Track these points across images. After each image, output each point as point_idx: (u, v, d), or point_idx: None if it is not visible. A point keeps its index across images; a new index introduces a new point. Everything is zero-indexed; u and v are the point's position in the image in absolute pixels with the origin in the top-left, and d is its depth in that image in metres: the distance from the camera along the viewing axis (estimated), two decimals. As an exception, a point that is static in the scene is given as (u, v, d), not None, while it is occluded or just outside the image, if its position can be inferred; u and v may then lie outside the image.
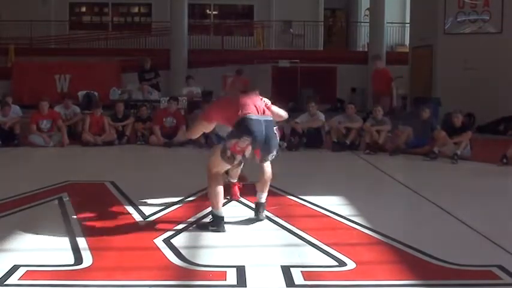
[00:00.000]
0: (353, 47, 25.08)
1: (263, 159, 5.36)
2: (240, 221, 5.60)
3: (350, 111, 11.48)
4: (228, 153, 5.11)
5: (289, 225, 5.39)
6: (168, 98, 12.60)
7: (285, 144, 11.19)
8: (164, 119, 11.80)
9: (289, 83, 21.11)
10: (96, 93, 15.55)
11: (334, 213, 5.89)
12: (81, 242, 4.81)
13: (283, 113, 5.77)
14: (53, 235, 5.03)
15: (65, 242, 4.82)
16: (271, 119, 5.28)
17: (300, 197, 6.58)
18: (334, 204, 6.29)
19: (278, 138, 5.27)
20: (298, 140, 11.33)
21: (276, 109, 5.66)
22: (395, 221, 5.79)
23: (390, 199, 7.07)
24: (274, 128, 5.22)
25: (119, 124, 12.10)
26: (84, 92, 15.62)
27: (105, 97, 14.89)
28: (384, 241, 4.93)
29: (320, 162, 10.16)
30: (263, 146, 5.12)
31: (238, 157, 5.18)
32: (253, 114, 5.12)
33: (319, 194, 6.73)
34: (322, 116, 11.62)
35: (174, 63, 20.64)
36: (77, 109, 12.75)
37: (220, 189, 5.27)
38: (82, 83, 17.38)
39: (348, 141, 11.09)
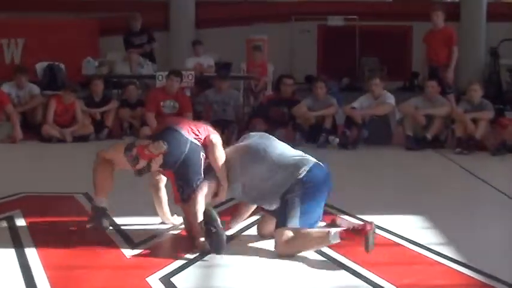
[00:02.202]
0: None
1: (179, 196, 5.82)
2: (268, 251, 5.59)
3: (432, 90, 11.42)
4: (134, 151, 5.72)
5: (343, 258, 5.37)
6: (167, 73, 12.66)
7: (337, 139, 11.22)
8: (162, 103, 11.87)
9: (343, 50, 21.08)
10: (62, 66, 15.67)
11: (409, 240, 5.88)
12: (41, 281, 4.84)
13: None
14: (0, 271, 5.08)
15: (17, 281, 4.85)
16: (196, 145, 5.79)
17: (359, 216, 6.57)
18: (410, 227, 6.28)
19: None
20: (356, 133, 11.32)
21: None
22: (501, 253, 5.74)
23: (493, 221, 7.01)
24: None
25: (96, 111, 12.20)
26: (45, 63, 15.74)
27: (75, 71, 14.99)
28: (482, 282, 4.90)
29: (388, 166, 10.14)
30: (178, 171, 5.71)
31: (142, 162, 5.72)
32: (183, 129, 5.80)
33: (387, 213, 6.73)
34: (391, 99, 11.60)
35: (174, 22, 20.70)
36: (35, 89, 12.85)
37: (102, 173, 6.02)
38: (41, 51, 17.50)
39: (429, 136, 11.05)
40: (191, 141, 5.72)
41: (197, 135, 5.80)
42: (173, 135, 5.74)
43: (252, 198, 5.80)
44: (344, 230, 5.32)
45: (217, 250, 5.29)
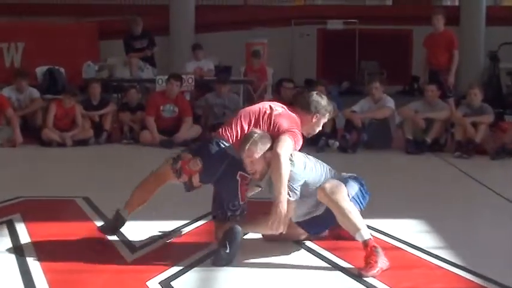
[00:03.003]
0: (437, 0, 24.97)
1: (213, 215, 5.96)
2: (271, 255, 5.60)
3: (431, 95, 11.44)
4: (178, 165, 5.69)
5: (343, 262, 5.39)
6: (167, 77, 12.67)
7: (337, 143, 11.23)
8: (161, 107, 11.89)
9: (342, 53, 21.09)
10: (62, 70, 15.69)
11: (409, 244, 5.89)
12: (41, 285, 4.85)
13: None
14: (0, 275, 5.08)
15: (17, 285, 4.86)
16: (239, 158, 5.54)
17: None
18: (409, 231, 6.29)
19: (240, 191, 5.66)
20: (355, 137, 11.33)
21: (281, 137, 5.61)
22: (500, 257, 5.74)
23: (492, 225, 7.02)
24: (239, 172, 5.57)
25: (94, 113, 12.21)
26: (45, 68, 15.76)
27: (75, 75, 15.02)
28: (481, 285, 4.91)
29: (388, 170, 10.14)
30: (216, 189, 5.83)
31: (184, 177, 5.72)
32: (224, 141, 5.65)
33: (387, 217, 6.76)
34: (390, 103, 11.61)
35: (175, 26, 20.69)
36: (35, 93, 12.86)
37: (143, 188, 5.94)
38: (42, 55, 17.48)
39: (429, 139, 11.07)
40: (231, 157, 5.60)
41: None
42: (211, 150, 5.65)
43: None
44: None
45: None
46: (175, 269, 5.18)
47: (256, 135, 5.47)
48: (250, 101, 14.15)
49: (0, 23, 20.70)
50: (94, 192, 7.54)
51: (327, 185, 5.47)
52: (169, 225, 6.23)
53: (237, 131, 5.68)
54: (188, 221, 6.47)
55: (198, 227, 6.42)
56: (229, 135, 5.67)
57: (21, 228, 6.30)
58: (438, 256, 5.54)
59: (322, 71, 20.61)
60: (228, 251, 5.30)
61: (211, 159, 5.60)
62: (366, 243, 5.27)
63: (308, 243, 5.83)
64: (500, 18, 19.86)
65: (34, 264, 5.29)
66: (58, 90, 13.96)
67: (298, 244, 5.81)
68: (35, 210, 6.99)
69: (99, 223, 6.42)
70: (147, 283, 4.89)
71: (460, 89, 14.97)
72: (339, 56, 20.85)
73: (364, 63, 20.88)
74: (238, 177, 5.60)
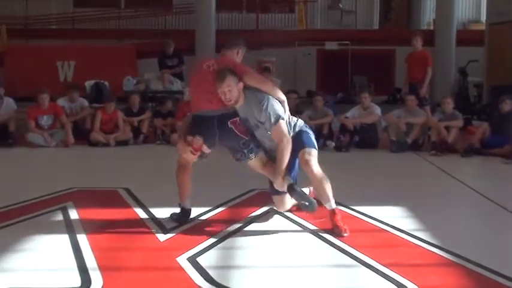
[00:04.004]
0: (416, 25, 24.86)
1: (236, 159, 5.89)
2: (280, 235, 5.60)
3: (411, 103, 11.42)
4: (190, 138, 5.71)
5: (338, 241, 5.37)
6: (192, 89, 12.65)
7: (333, 143, 11.23)
8: (188, 114, 11.86)
9: (337, 69, 21.05)
10: (106, 84, 15.71)
11: (393, 227, 5.85)
12: (90, 260, 4.86)
13: (270, 88, 5.81)
14: (56, 252, 5.10)
15: (70, 260, 4.88)
16: (225, 112, 5.61)
17: (352, 207, 6.56)
18: (393, 216, 6.26)
19: (239, 132, 5.67)
20: (348, 138, 11.32)
21: (256, 81, 5.79)
22: (469, 238, 5.72)
23: (462, 211, 7.00)
24: (229, 122, 5.61)
25: (134, 119, 12.24)
26: (93, 81, 15.78)
27: (117, 88, 15.05)
28: (454, 261, 4.89)
29: (376, 166, 10.11)
30: (224, 145, 5.78)
31: (198, 154, 5.76)
32: (202, 110, 5.67)
33: (374, 204, 6.71)
34: (377, 110, 11.59)
35: (199, 47, 20.66)
36: (85, 102, 12.90)
37: (183, 179, 5.90)
38: (90, 71, 17.50)
39: (409, 140, 11.05)
40: (216, 118, 5.61)
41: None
42: (200, 123, 5.70)
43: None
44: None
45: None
46: (200, 247, 5.18)
47: (227, 69, 5.57)
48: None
49: (56, 46, 20.77)
50: (133, 184, 7.54)
51: (311, 158, 5.67)
52: (195, 211, 6.21)
53: (204, 98, 5.66)
54: (210, 207, 6.46)
55: (219, 212, 6.42)
56: (203, 105, 5.67)
57: (73, 214, 6.31)
58: (417, 237, 5.52)
59: (321, 83, 20.56)
60: (307, 203, 5.57)
61: (204, 128, 5.63)
62: (333, 211, 5.70)
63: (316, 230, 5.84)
64: (468, 40, 19.78)
65: (84, 243, 5.29)
66: (103, 100, 13.99)
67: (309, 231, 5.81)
68: (84, 198, 7.00)
69: (137, 209, 6.45)
70: (177, 259, 4.89)
71: (435, 98, 14.93)
72: (334, 71, 20.83)
73: (356, 78, 20.83)
74: (230, 124, 5.60)
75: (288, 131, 5.73)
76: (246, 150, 5.77)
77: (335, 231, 5.58)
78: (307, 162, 5.66)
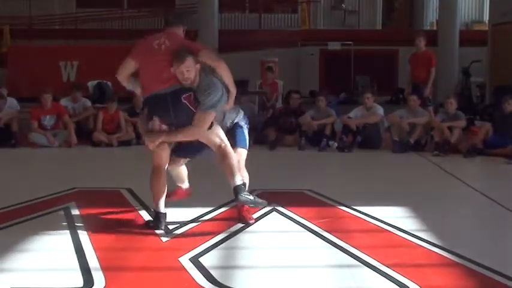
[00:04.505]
0: (419, 25, 24.86)
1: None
2: (282, 236, 5.61)
3: (413, 103, 11.42)
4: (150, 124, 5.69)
5: (341, 242, 5.37)
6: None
7: (336, 144, 11.23)
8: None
9: (340, 69, 21.05)
10: (109, 84, 15.72)
11: (395, 227, 5.85)
12: (92, 260, 4.87)
13: (223, 69, 5.87)
14: (58, 252, 5.11)
15: (72, 260, 4.89)
16: (176, 88, 5.56)
17: (354, 207, 6.56)
18: (395, 216, 6.26)
19: (193, 108, 5.58)
20: (351, 138, 11.31)
21: (211, 59, 5.81)
22: (472, 238, 5.74)
23: (465, 211, 7.00)
24: (182, 97, 5.55)
25: (137, 119, 12.23)
26: (95, 81, 15.81)
27: (120, 88, 14.98)
28: (456, 262, 4.89)
29: (378, 166, 10.10)
30: (181, 121, 5.61)
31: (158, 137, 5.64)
32: (154, 92, 5.58)
33: (377, 205, 6.70)
34: (380, 110, 11.59)
35: (202, 47, 20.68)
36: (87, 102, 12.92)
37: (158, 183, 5.79)
38: (92, 71, 17.54)
39: (412, 140, 11.04)
40: (168, 96, 5.56)
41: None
42: (154, 104, 5.64)
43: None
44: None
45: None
46: (202, 247, 5.18)
47: (186, 50, 5.57)
48: (264, 109, 14.16)
49: (59, 46, 20.82)
50: (135, 184, 7.55)
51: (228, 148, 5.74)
52: (197, 212, 6.23)
53: (157, 79, 5.60)
54: (213, 207, 6.47)
55: (222, 212, 6.42)
56: (155, 86, 5.61)
57: (75, 213, 6.33)
58: (419, 237, 5.52)
59: (323, 84, 20.56)
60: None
61: (159, 107, 5.57)
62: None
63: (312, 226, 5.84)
64: (471, 40, 19.80)
65: (86, 243, 5.31)
66: (106, 100, 14.02)
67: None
68: (87, 198, 7.01)
69: (140, 209, 6.46)
70: (179, 259, 4.90)
71: (438, 98, 14.93)
72: (337, 71, 20.83)
73: (358, 78, 20.83)
74: (183, 100, 5.53)
75: (221, 124, 5.86)
76: None
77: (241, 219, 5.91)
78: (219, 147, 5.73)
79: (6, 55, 20.30)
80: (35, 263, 4.87)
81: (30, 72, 18.81)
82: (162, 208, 5.84)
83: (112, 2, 24.58)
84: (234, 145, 5.90)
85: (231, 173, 5.63)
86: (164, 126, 5.65)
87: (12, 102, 12.49)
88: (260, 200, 5.77)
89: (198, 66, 5.58)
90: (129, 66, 5.84)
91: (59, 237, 5.52)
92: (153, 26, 23.21)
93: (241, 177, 5.72)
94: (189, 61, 5.49)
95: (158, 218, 5.80)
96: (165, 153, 5.81)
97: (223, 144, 5.70)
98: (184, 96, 5.54)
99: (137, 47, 5.89)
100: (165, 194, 5.86)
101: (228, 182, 5.64)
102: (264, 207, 6.10)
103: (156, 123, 5.63)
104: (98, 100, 14.39)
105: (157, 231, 5.69)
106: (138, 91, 6.04)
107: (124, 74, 5.88)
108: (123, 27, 23.21)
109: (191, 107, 5.56)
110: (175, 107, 5.54)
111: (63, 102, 12.50)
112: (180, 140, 5.76)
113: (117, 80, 6.00)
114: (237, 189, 5.58)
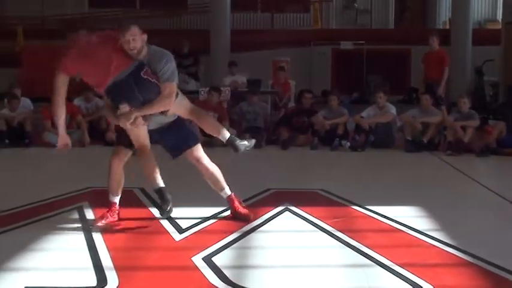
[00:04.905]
0: (431, 24, 24.79)
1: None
2: (295, 235, 5.61)
3: (426, 103, 11.39)
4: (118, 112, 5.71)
5: (354, 241, 5.37)
6: (207, 89, 12.69)
7: (348, 143, 11.22)
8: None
9: (352, 69, 20.99)
10: (121, 83, 15.74)
11: (408, 227, 5.85)
12: (105, 259, 4.89)
13: None
14: (72, 251, 5.14)
15: (85, 259, 4.92)
16: (131, 69, 5.55)
17: (367, 207, 6.55)
18: (408, 216, 6.25)
19: (153, 79, 5.59)
20: (364, 138, 11.29)
21: None
22: (485, 238, 5.70)
23: (478, 211, 6.95)
24: (141, 73, 5.57)
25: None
26: (108, 81, 15.84)
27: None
28: (469, 261, 4.88)
29: (391, 165, 10.08)
30: (147, 98, 5.61)
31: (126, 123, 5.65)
32: (110, 81, 5.56)
33: (390, 204, 6.70)
34: (393, 109, 11.56)
35: (214, 47, 20.68)
36: (100, 102, 12.92)
37: (147, 161, 6.00)
38: (105, 71, 17.50)
39: (425, 140, 11.01)
40: (128, 77, 5.58)
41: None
42: (116, 91, 5.67)
43: None
44: None
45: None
46: (215, 247, 5.19)
47: (130, 22, 5.62)
48: (276, 108, 14.15)
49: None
50: (148, 184, 7.56)
51: (200, 155, 5.99)
52: (210, 211, 6.24)
53: (103, 73, 5.61)
54: (226, 207, 6.47)
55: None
56: (104, 79, 5.63)
57: (89, 213, 6.36)
58: (432, 237, 5.51)
59: (335, 83, 20.50)
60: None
61: (123, 91, 5.59)
62: (230, 198, 6.11)
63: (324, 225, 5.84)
64: (484, 39, 19.70)
65: (100, 243, 5.33)
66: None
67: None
68: (100, 198, 7.01)
69: (153, 209, 6.48)
70: (192, 258, 4.91)
71: (451, 98, 14.88)
72: (349, 71, 20.77)
73: (371, 77, 20.77)
74: (143, 75, 5.53)
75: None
76: None
77: (239, 218, 5.87)
78: (198, 160, 5.96)
79: (19, 55, 20.35)
80: (48, 261, 4.89)
81: (43, 72, 18.66)
82: (161, 182, 5.97)
83: (124, 2, 24.64)
84: (188, 146, 6.00)
85: (217, 130, 5.95)
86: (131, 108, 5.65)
87: (25, 102, 12.58)
88: (249, 141, 6.00)
89: (144, 36, 5.58)
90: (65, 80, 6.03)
91: (72, 237, 5.55)
92: (165, 26, 23.31)
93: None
94: (134, 30, 5.49)
95: (162, 193, 5.91)
96: (143, 131, 5.86)
97: (193, 108, 5.99)
98: (142, 72, 5.55)
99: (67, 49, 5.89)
100: (157, 168, 6.00)
101: (217, 138, 6.00)
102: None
103: (126, 108, 5.64)
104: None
105: (169, 230, 5.70)
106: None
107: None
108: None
109: (153, 80, 5.58)
110: (139, 85, 5.56)
111: (76, 102, 12.54)
112: (152, 112, 5.70)
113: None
114: (231, 140, 5.86)
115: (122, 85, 5.56)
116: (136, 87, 5.55)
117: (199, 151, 6.00)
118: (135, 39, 5.49)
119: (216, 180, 6.05)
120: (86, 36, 5.79)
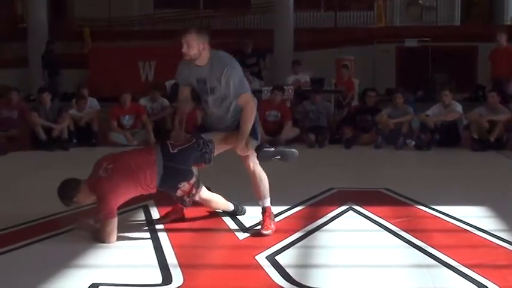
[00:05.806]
0: (499, 21, 24.35)
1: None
2: (359, 235, 5.58)
3: (492, 100, 11.19)
4: None
5: (419, 241, 5.31)
6: (271, 88, 12.70)
7: (413, 142, 11.10)
8: (267, 113, 11.87)
9: (417, 66, 20.76)
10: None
11: (475, 227, 5.76)
12: (170, 257, 4.95)
13: None
14: (137, 249, 5.22)
15: (151, 257, 4.99)
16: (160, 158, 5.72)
17: (433, 207, 6.48)
18: (474, 216, 6.15)
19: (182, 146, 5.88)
20: (429, 136, 11.15)
21: None
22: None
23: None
24: (167, 161, 5.73)
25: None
26: (173, 81, 15.94)
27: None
28: (539, 263, 4.77)
29: (457, 164, 9.93)
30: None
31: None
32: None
33: (456, 204, 6.60)
34: (459, 107, 11.38)
35: (277, 46, 20.72)
36: (166, 102, 13.06)
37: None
38: (170, 71, 17.60)
39: (492, 138, 10.80)
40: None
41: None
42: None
43: None
44: None
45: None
46: (279, 246, 5.21)
47: (195, 29, 5.70)
48: (339, 107, 14.10)
49: (138, 47, 21.17)
50: (213, 183, 7.60)
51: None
52: (274, 210, 6.24)
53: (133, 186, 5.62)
54: (289, 206, 6.49)
55: (298, 210, 6.43)
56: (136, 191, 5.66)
57: (154, 211, 6.43)
58: (500, 237, 5.42)
59: (400, 81, 20.30)
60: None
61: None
62: (265, 209, 5.72)
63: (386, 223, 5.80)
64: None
65: (165, 240, 5.40)
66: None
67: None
68: (165, 197, 7.08)
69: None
70: (256, 257, 4.93)
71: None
72: (414, 69, 20.53)
73: (436, 75, 20.49)
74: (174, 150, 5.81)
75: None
76: (204, 146, 5.84)
77: (262, 232, 5.60)
78: (250, 164, 5.81)
79: (87, 56, 20.76)
80: (114, 259, 4.98)
81: (110, 72, 19.18)
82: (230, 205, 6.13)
83: (189, 2, 24.87)
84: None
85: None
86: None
87: (93, 102, 12.79)
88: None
89: (204, 45, 5.61)
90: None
91: (138, 235, 5.63)
92: (229, 26, 23.46)
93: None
94: (190, 37, 5.55)
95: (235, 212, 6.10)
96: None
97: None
98: (171, 153, 5.78)
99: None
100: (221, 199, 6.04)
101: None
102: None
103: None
104: (174, 99, 14.54)
105: (233, 229, 5.73)
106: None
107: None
108: (200, 27, 23.34)
109: (179, 149, 5.88)
110: (175, 161, 5.74)
111: (142, 101, 12.69)
112: (250, 125, 5.65)
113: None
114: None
115: (169, 173, 5.64)
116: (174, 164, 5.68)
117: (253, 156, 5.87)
118: (190, 46, 5.54)
119: (263, 188, 5.85)
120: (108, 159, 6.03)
